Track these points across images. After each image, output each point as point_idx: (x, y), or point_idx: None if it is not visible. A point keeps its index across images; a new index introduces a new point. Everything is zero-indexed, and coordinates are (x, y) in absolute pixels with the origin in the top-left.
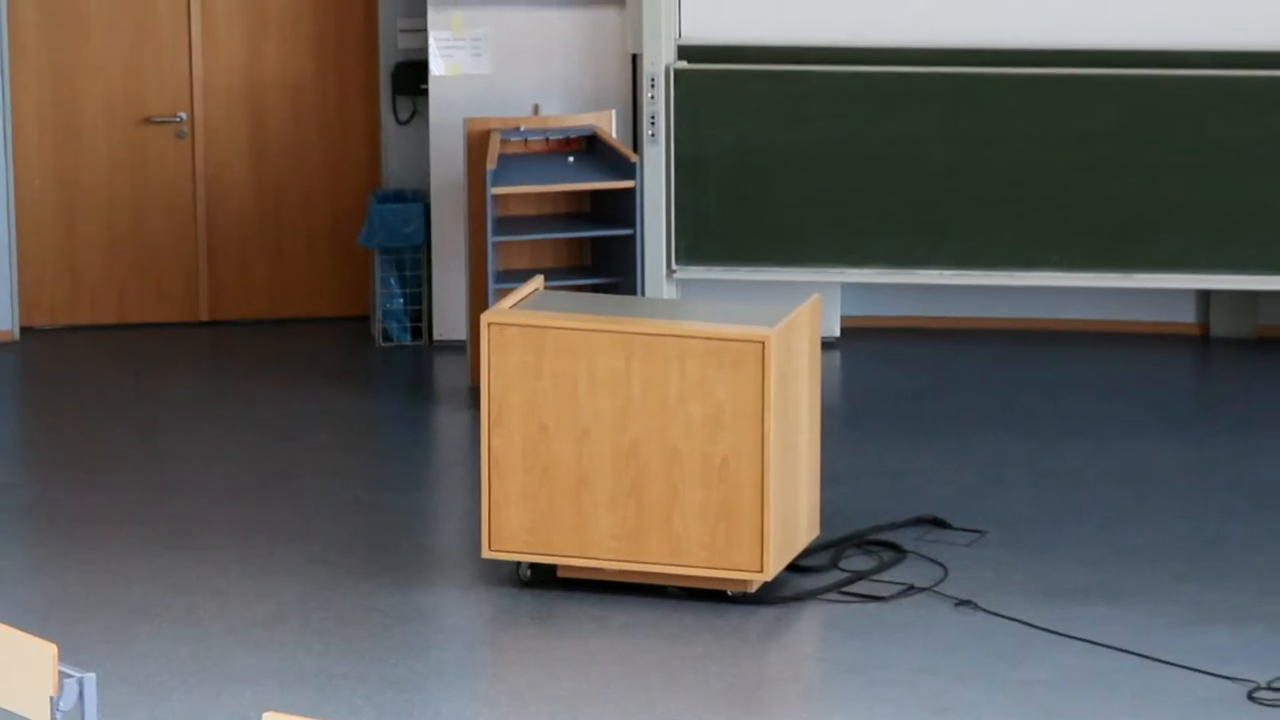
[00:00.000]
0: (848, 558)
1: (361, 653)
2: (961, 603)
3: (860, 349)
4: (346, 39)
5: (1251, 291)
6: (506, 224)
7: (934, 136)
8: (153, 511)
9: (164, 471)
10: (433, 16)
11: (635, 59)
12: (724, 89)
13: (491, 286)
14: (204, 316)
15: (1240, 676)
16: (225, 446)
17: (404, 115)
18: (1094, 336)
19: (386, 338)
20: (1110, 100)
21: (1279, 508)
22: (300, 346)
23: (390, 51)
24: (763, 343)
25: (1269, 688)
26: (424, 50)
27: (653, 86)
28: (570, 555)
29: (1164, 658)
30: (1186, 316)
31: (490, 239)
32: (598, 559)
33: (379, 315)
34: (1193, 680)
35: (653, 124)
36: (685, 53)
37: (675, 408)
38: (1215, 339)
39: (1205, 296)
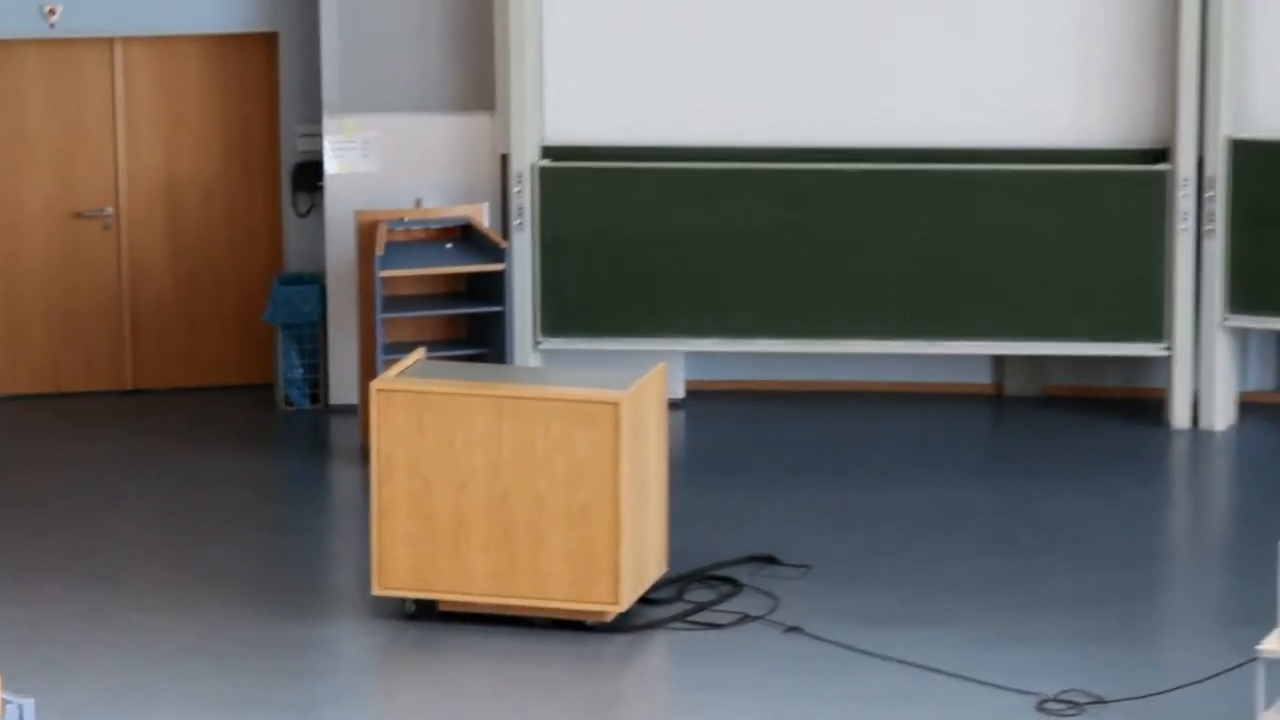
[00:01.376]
0: (691, 591)
1: (268, 678)
2: (790, 629)
3: (702, 409)
4: (252, 142)
5: (1039, 356)
6: (393, 302)
7: (765, 224)
8: (84, 558)
9: (93, 522)
10: (327, 122)
11: (504, 158)
12: (582, 183)
13: (380, 357)
14: (129, 385)
15: (1032, 690)
16: (148, 500)
17: (303, 209)
18: (905, 396)
19: (288, 403)
20: (916, 192)
21: (1067, 543)
22: (213, 411)
23: (290, 153)
24: (616, 404)
25: (1056, 699)
26: (320, 152)
27: (519, 182)
28: (449, 592)
29: (967, 675)
30: (983, 378)
31: (379, 315)
32: (474, 595)
33: (281, 383)
34: (992, 694)
35: (520, 214)
36: (548, 152)
37: (541, 462)
38: (1008, 397)
39: (999, 360)
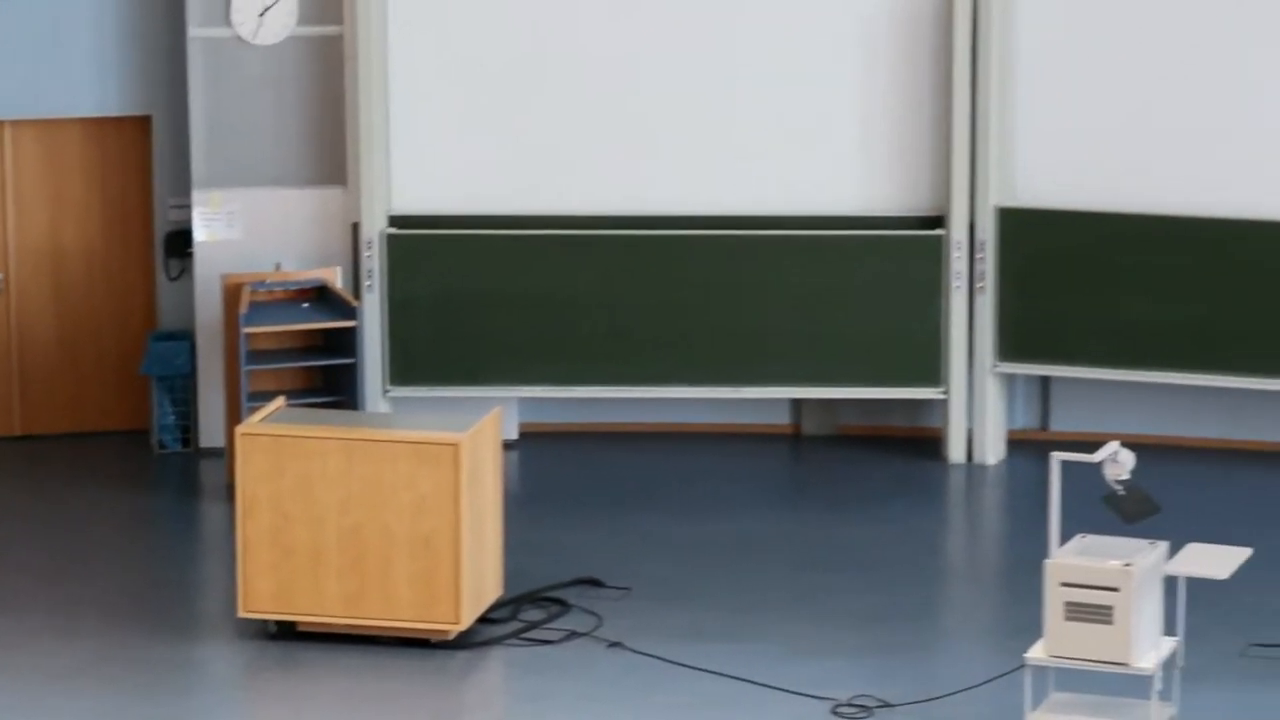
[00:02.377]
0: (524, 611)
1: (146, 694)
2: (613, 644)
3: (534, 448)
4: (128, 214)
5: (832, 400)
6: (255, 356)
7: (587, 284)
8: None
9: None
10: (196, 196)
11: (356, 227)
12: (425, 249)
13: (244, 405)
14: (18, 431)
15: (828, 696)
16: (34, 536)
17: (174, 273)
18: (714, 436)
19: (162, 446)
20: (723, 254)
21: (858, 565)
22: (94, 454)
23: (163, 223)
24: (456, 445)
25: (848, 704)
26: (189, 222)
27: (369, 248)
28: (307, 614)
29: (771, 683)
30: (783, 419)
31: (243, 368)
32: (329, 616)
33: (156, 429)
34: (792, 700)
35: (370, 277)
36: (394, 221)
37: (388, 497)
38: (805, 436)
39: (797, 404)
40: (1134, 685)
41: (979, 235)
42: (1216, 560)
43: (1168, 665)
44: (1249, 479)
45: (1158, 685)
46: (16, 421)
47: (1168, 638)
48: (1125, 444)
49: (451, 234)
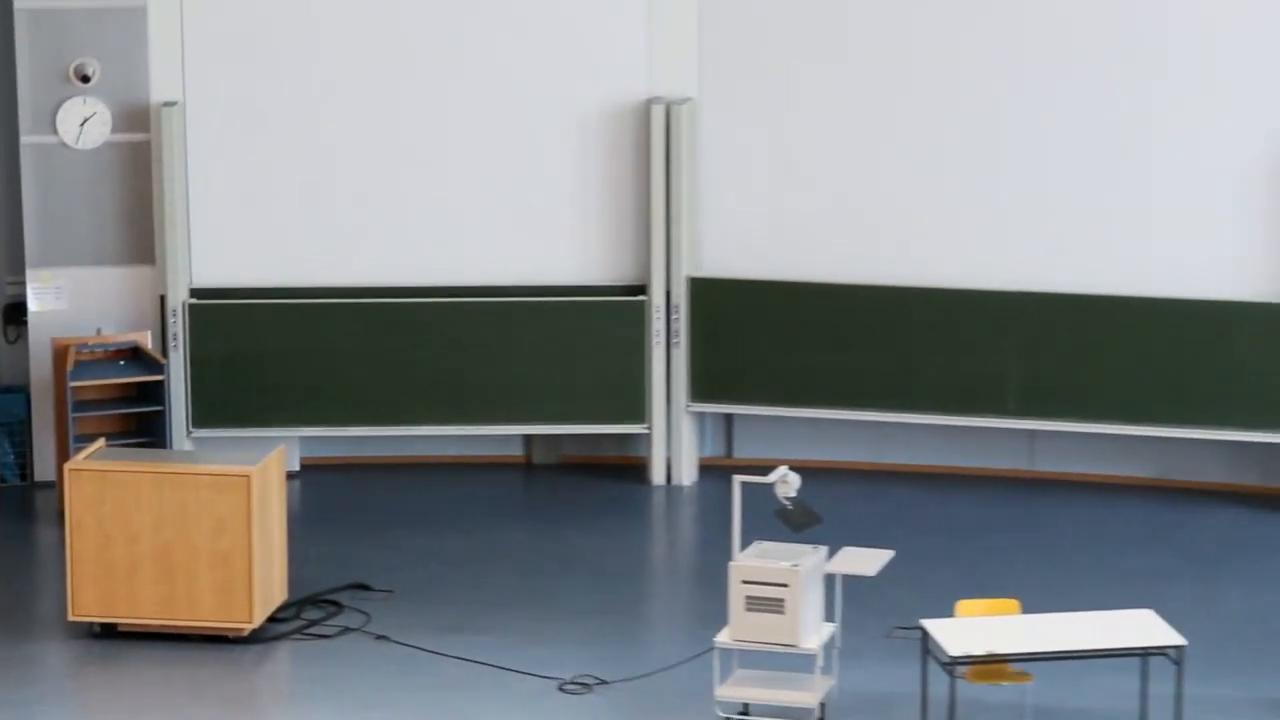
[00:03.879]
0: (305, 611)
1: None
2: (379, 637)
3: (312, 478)
4: None
5: (557, 434)
6: (81, 405)
7: (356, 342)
8: None
9: None
10: (30, 273)
11: (163, 298)
12: (221, 315)
13: (71, 445)
14: None
15: (555, 676)
16: None
17: (12, 337)
18: (461, 466)
19: (2, 480)
20: (469, 317)
21: (581, 569)
22: None
23: (1, 296)
24: (248, 476)
25: (572, 682)
26: (24, 295)
27: (174, 315)
28: (126, 617)
29: (509, 666)
30: (517, 451)
31: (70, 415)
32: (144, 618)
33: None
34: (526, 680)
35: (175, 339)
36: (194, 293)
37: (193, 520)
38: (535, 465)
39: (529, 438)
40: (802, 662)
41: (674, 300)
42: (866, 561)
43: (828, 646)
44: (892, 495)
45: (820, 662)
46: None
47: (828, 623)
48: (793, 468)
49: (242, 303)
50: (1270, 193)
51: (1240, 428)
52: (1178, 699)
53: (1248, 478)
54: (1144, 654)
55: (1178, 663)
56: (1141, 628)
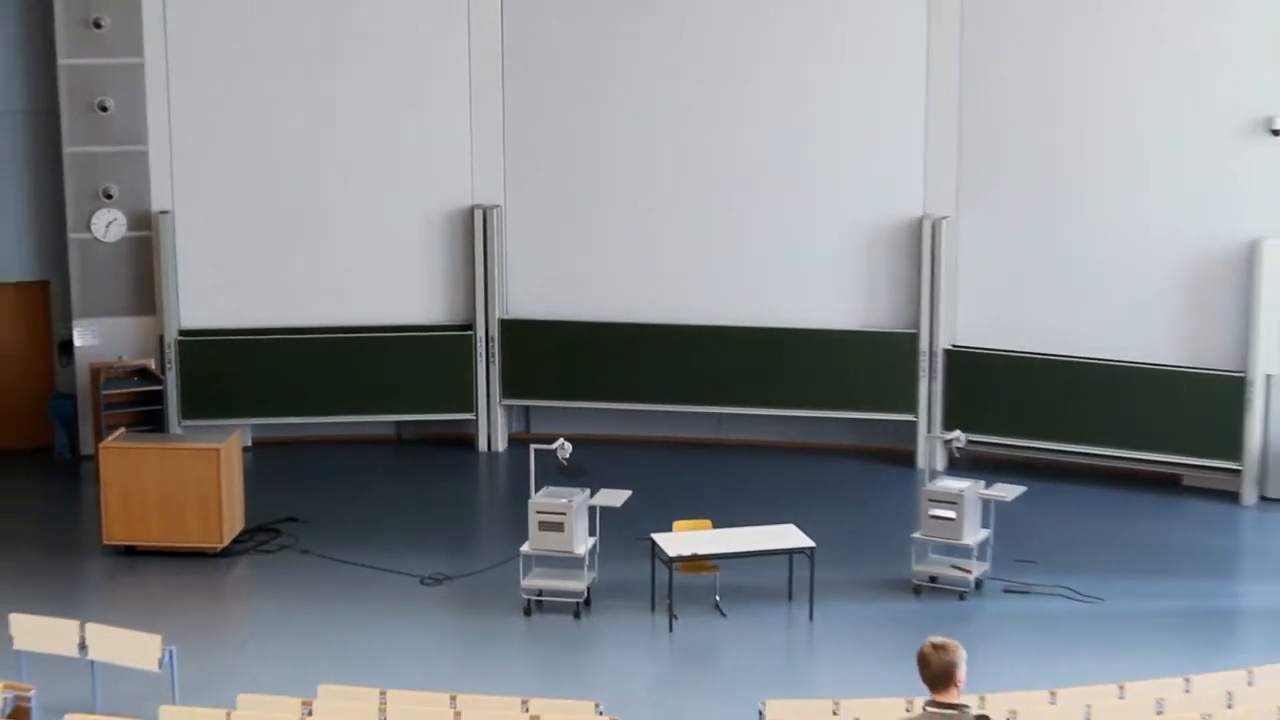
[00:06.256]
0: (256, 536)
1: (54, 580)
2: (304, 551)
3: (261, 451)
4: (39, 332)
5: (417, 420)
6: (109, 406)
7: (294, 363)
8: None
9: None
10: (75, 321)
11: (161, 337)
12: (200, 347)
13: (104, 432)
14: None
15: (418, 574)
16: None
17: (65, 363)
18: (354, 441)
19: (59, 454)
20: (359, 345)
21: (434, 507)
22: (23, 458)
23: (57, 336)
24: (218, 450)
25: (430, 577)
26: (71, 335)
27: (169, 348)
28: (141, 540)
29: (391, 568)
30: (391, 430)
31: (102, 412)
32: (153, 541)
33: (56, 445)
34: (401, 577)
35: (170, 364)
36: (182, 333)
37: (183, 477)
38: (403, 439)
39: (399, 422)
40: (575, 563)
41: (491, 334)
42: (614, 497)
43: (591, 552)
44: (632, 456)
45: (587, 562)
46: None
47: (591, 537)
48: (568, 439)
49: (211, 339)
50: (858, 244)
51: (851, 409)
52: (811, 580)
53: (858, 440)
54: (789, 553)
55: (810, 558)
56: (787, 536)
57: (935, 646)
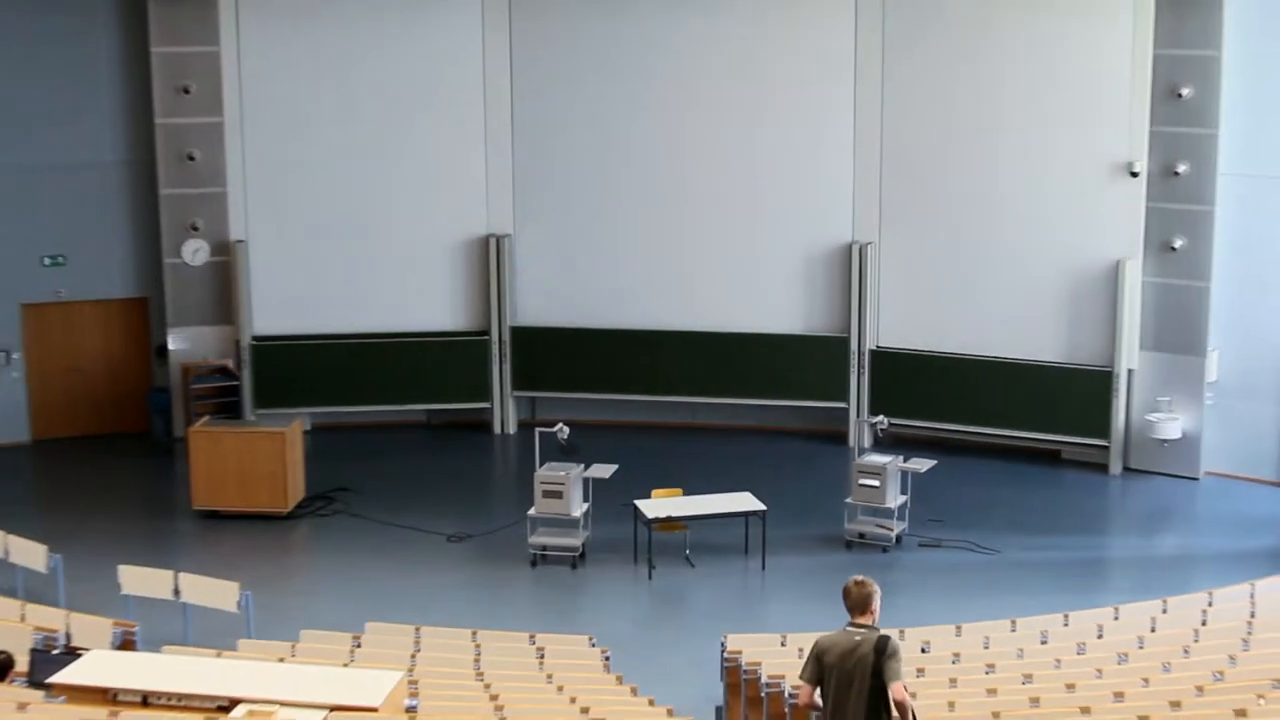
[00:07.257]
0: (315, 502)
1: (155, 537)
2: (354, 515)
3: (320, 434)
4: (139, 338)
5: (443, 408)
6: (197, 398)
7: (345, 362)
8: None
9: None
10: (170, 329)
11: (238, 342)
12: (272, 350)
13: (193, 419)
14: (95, 431)
15: (444, 532)
16: (86, 474)
17: (161, 363)
18: (392, 425)
19: (157, 438)
20: (393, 350)
21: (453, 481)
22: (124, 442)
23: (155, 341)
24: (283, 433)
25: (454, 535)
26: (166, 340)
27: (245, 351)
28: (224, 505)
29: (420, 528)
30: (422, 417)
31: (192, 403)
32: (234, 506)
33: (153, 431)
34: (431, 536)
35: (245, 363)
36: (256, 338)
37: (256, 455)
38: (432, 424)
39: (429, 410)
40: (572, 524)
41: (504, 338)
42: (604, 470)
43: (586, 515)
44: (621, 437)
45: (582, 523)
46: (94, 427)
47: (585, 503)
48: (566, 424)
49: (280, 343)
50: (801, 264)
51: (795, 398)
52: (763, 537)
53: (800, 424)
54: (745, 515)
55: (762, 520)
56: (744, 501)
57: (856, 582)
